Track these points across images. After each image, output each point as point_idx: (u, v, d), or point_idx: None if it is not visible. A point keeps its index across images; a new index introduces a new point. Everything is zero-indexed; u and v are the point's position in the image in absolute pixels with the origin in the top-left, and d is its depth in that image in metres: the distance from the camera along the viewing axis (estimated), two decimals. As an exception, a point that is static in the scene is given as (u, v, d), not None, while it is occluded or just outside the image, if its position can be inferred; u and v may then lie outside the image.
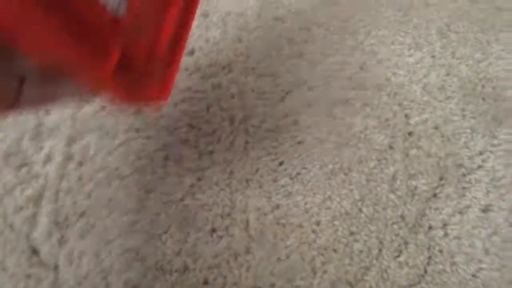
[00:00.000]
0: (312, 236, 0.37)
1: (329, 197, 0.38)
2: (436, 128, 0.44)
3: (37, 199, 0.36)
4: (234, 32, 0.48)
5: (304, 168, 0.40)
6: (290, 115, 0.43)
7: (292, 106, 0.43)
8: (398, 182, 0.40)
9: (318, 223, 0.37)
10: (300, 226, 0.37)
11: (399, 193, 0.39)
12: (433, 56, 0.49)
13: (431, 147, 0.43)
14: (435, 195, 0.40)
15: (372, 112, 0.44)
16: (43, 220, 0.35)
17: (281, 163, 0.40)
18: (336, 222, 0.37)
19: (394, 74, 0.47)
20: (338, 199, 0.38)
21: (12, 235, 0.34)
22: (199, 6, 0.49)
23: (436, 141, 0.43)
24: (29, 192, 0.36)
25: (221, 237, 0.36)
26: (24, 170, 0.37)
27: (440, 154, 0.42)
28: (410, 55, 0.49)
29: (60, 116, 0.41)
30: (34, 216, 0.35)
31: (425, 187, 0.40)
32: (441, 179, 0.41)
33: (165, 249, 0.35)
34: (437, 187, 0.40)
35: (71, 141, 0.39)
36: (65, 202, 0.36)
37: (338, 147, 0.41)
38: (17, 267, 0.33)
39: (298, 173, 0.39)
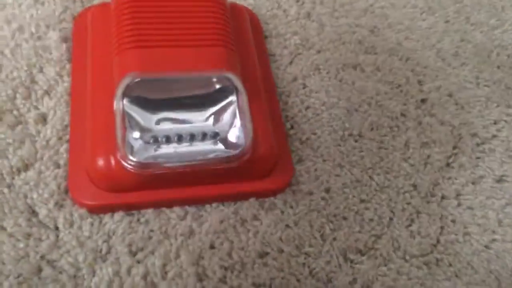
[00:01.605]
0: (322, 203, 0.35)
1: (339, 164, 0.37)
2: (449, 95, 0.42)
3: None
4: (238, -10, 0.45)
5: (314, 133, 0.38)
6: (299, 78, 0.41)
7: (301, 69, 0.41)
8: (411, 150, 0.38)
9: (328, 190, 0.35)
10: (310, 193, 0.35)
11: (411, 161, 0.38)
12: (446, 21, 0.47)
13: (445, 115, 0.41)
14: (448, 165, 0.38)
15: (383, 77, 0.42)
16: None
17: (292, 127, 0.38)
18: (347, 190, 0.36)
19: (406, 38, 0.45)
20: (348, 166, 0.37)
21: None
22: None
23: (450, 109, 0.41)
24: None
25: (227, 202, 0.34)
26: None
27: (454, 122, 0.41)
28: (423, 19, 0.47)
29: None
30: None
31: (438, 156, 0.38)
32: (454, 148, 0.39)
33: (169, 214, 0.33)
34: (450, 156, 0.39)
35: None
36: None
37: (348, 113, 0.39)
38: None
39: (308, 138, 0.37)
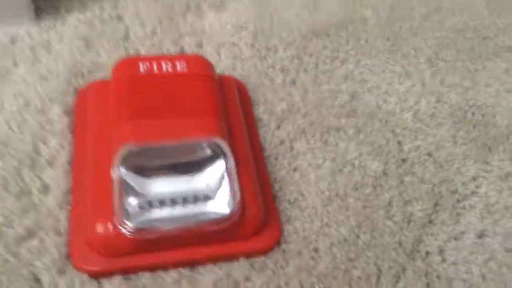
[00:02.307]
0: (311, 262, 0.36)
1: (327, 224, 0.38)
2: (429, 154, 0.45)
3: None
4: (228, 62, 0.49)
5: (301, 194, 0.40)
6: (286, 141, 0.43)
7: (288, 132, 0.44)
8: (394, 208, 0.40)
9: (316, 249, 0.37)
10: (299, 252, 0.37)
11: (395, 219, 0.40)
12: (423, 84, 0.51)
13: (425, 173, 0.43)
14: (430, 221, 0.40)
15: (365, 139, 0.45)
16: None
17: (280, 188, 0.40)
18: (335, 249, 0.37)
19: (385, 101, 0.48)
20: (335, 226, 0.38)
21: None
22: (194, 37, 0.50)
23: (430, 168, 0.44)
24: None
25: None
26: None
27: (434, 180, 0.43)
28: (400, 83, 0.50)
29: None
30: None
31: (420, 213, 0.40)
32: (436, 205, 0.41)
33: (165, 277, 0.34)
34: (432, 213, 0.41)
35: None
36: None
37: (333, 174, 0.42)
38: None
39: (296, 199, 0.39)
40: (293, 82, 0.48)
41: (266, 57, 0.50)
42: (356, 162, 0.43)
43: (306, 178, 0.41)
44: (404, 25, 0.56)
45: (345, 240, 0.38)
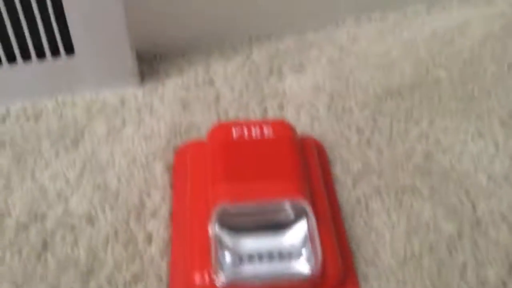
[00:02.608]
0: (387, 321, 0.39)
1: (403, 282, 0.41)
2: (503, 217, 0.46)
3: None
4: (307, 121, 0.53)
5: (377, 253, 0.43)
6: (362, 201, 0.46)
7: (363, 192, 0.47)
8: (469, 270, 0.42)
9: (392, 308, 0.40)
10: (376, 311, 0.39)
11: (470, 282, 0.41)
12: (496, 145, 0.52)
13: (499, 236, 0.44)
14: (505, 285, 0.41)
15: (439, 199, 0.47)
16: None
17: (357, 247, 0.43)
18: (410, 308, 0.40)
19: (459, 162, 0.50)
20: (411, 286, 0.41)
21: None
22: (276, 99, 0.55)
23: (504, 230, 0.45)
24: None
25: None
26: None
27: (508, 243, 0.44)
28: (474, 144, 0.52)
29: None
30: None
31: (494, 277, 0.42)
32: (510, 269, 0.42)
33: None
34: (506, 278, 0.42)
35: None
36: None
37: (409, 234, 0.44)
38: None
39: (372, 258, 0.42)
40: (368, 142, 0.52)
41: (342, 118, 0.54)
42: (431, 223, 0.45)
43: (382, 237, 0.44)
44: (477, 85, 0.58)
45: (420, 300, 0.40)
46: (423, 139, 0.52)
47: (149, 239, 0.43)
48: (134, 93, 0.54)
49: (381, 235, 0.44)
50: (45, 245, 0.42)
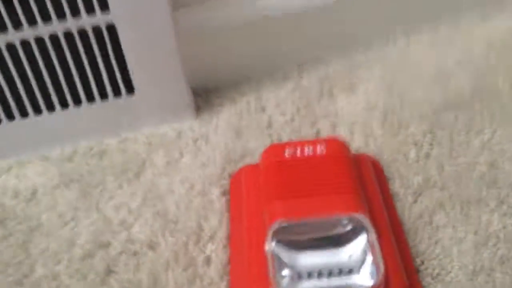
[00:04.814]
0: None
1: (474, 299, 0.38)
2: None
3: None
4: (361, 140, 0.53)
5: (444, 268, 0.40)
6: (424, 215, 0.44)
7: (426, 206, 0.45)
8: (548, 283, 0.38)
9: (465, 325, 0.37)
10: (447, 328, 0.37)
11: (550, 295, 0.38)
12: None
13: None
14: None
15: (508, 210, 0.44)
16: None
17: (422, 262, 0.41)
18: (485, 325, 0.37)
19: (528, 170, 0.47)
20: (483, 301, 0.38)
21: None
22: (328, 120, 0.55)
23: None
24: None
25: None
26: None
27: None
28: (544, 151, 0.49)
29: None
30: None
31: None
32: None
33: None
34: None
35: None
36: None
37: (477, 247, 0.41)
38: None
39: (439, 273, 0.40)
40: (427, 156, 0.50)
41: (398, 133, 0.53)
42: (501, 235, 0.42)
43: (448, 251, 0.41)
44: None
45: (496, 316, 0.37)
46: (486, 149, 0.50)
47: (208, 261, 0.43)
48: (191, 125, 0.57)
49: (447, 249, 0.42)
50: (108, 271, 0.43)
